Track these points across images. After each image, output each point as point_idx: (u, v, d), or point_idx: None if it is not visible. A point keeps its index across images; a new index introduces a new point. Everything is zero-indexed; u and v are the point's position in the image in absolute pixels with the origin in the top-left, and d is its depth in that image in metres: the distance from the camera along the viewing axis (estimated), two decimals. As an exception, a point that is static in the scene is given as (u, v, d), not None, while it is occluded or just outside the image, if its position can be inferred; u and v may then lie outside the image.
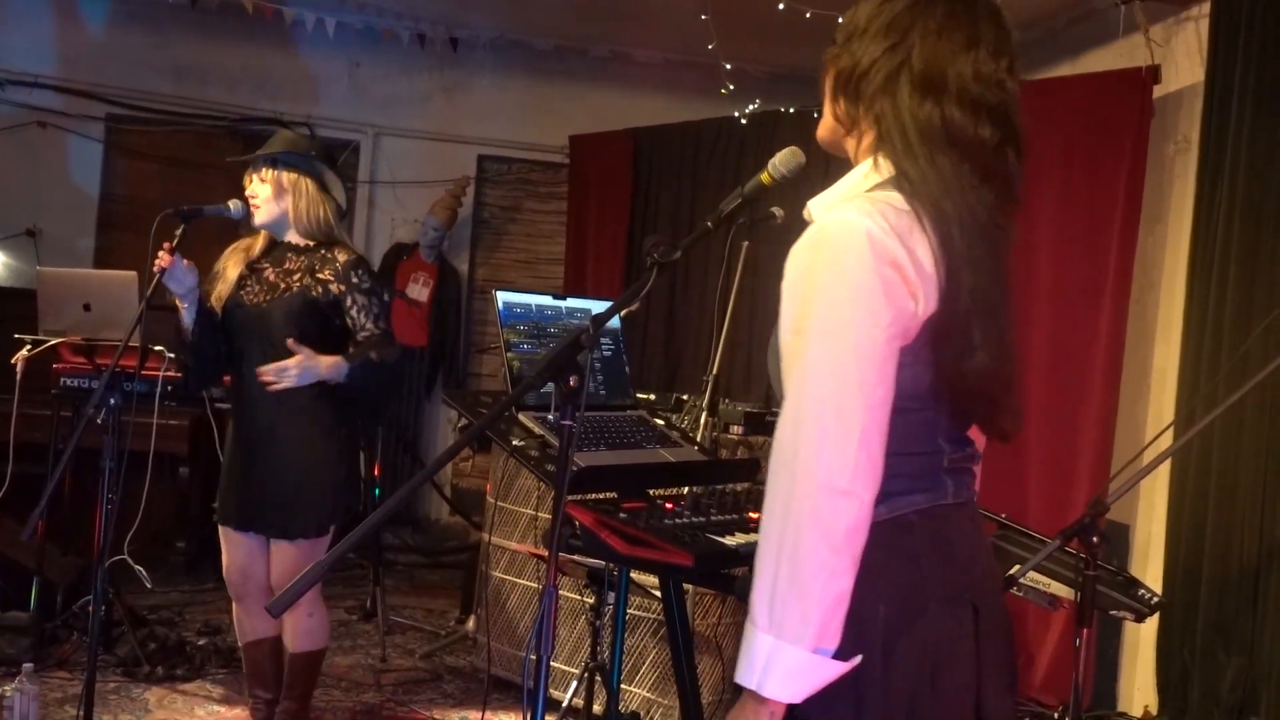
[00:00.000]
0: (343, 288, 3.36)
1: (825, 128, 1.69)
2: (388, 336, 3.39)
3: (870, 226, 1.46)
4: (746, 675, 1.44)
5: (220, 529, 3.45)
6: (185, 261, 3.25)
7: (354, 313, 3.37)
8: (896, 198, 1.51)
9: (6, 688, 3.54)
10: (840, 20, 1.67)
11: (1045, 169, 4.58)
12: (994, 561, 1.71)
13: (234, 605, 3.52)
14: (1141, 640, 4.40)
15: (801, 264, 1.50)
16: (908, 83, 1.55)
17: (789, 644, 1.41)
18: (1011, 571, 2.55)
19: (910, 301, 1.47)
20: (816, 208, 1.58)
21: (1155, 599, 2.87)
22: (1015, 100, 1.57)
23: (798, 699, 1.44)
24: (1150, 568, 4.37)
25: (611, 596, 3.22)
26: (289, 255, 3.41)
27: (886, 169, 1.55)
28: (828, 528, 1.41)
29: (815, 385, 1.44)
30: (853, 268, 1.45)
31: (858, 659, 1.46)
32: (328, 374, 3.26)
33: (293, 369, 3.20)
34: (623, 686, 3.82)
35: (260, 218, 3.42)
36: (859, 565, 1.44)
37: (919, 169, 1.51)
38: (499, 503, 4.33)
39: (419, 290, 7.01)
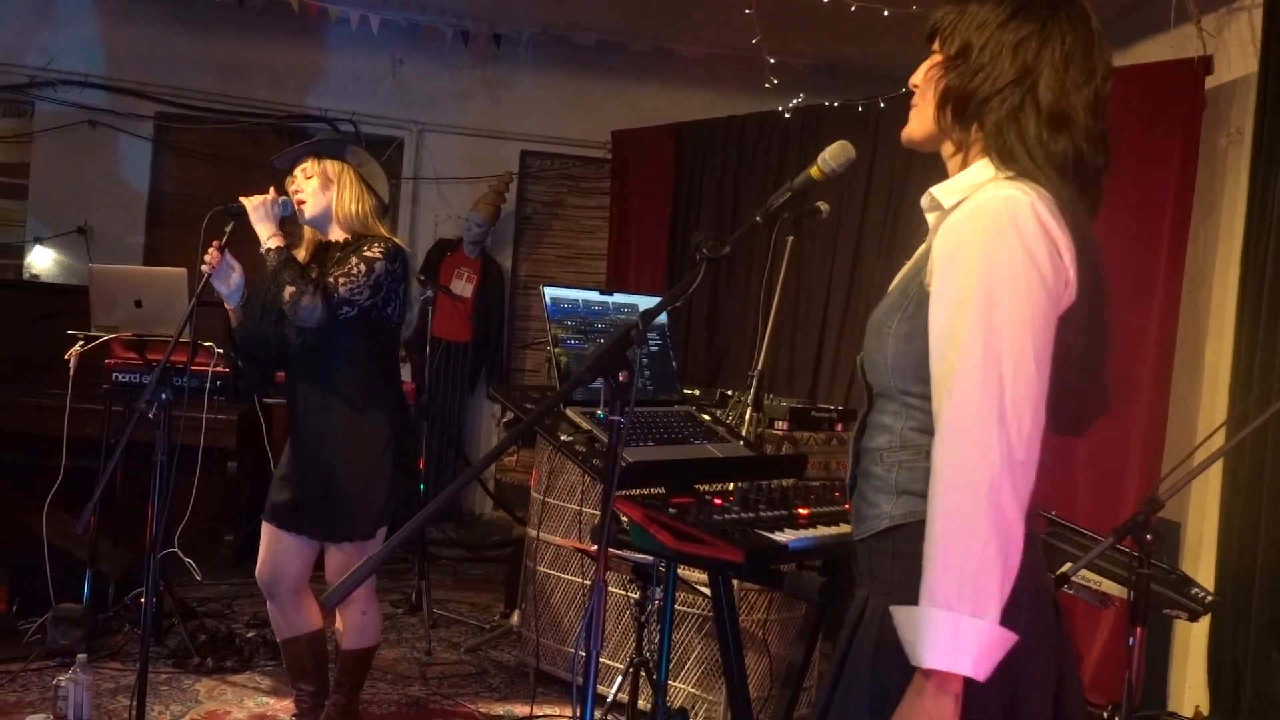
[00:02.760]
0: (353, 255, 3.28)
1: (922, 130, 1.68)
2: (324, 291, 3.18)
3: (1035, 201, 1.49)
4: (936, 656, 1.41)
5: (263, 525, 3.47)
6: (234, 263, 3.27)
7: (336, 265, 3.28)
8: (1044, 189, 1.53)
9: (61, 678, 3.59)
10: (941, 21, 1.66)
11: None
12: None
13: (268, 603, 3.54)
14: (1192, 639, 4.34)
15: (961, 236, 1.51)
16: (1034, 114, 1.56)
17: (977, 618, 1.40)
18: (1063, 569, 2.52)
19: (1064, 280, 1.50)
20: (943, 194, 1.60)
21: (1209, 598, 2.83)
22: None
23: (984, 675, 1.42)
24: (1201, 566, 4.30)
25: (657, 592, 3.22)
26: (333, 253, 3.39)
27: (1007, 170, 1.56)
28: (1007, 499, 1.42)
29: (990, 356, 1.44)
30: (1026, 239, 1.47)
31: (1016, 634, 1.44)
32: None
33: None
34: (668, 682, 3.82)
35: (307, 212, 3.38)
36: None
37: (1056, 192, 1.54)
38: (544, 498, 4.33)
39: (463, 286, 7.05)
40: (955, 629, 1.41)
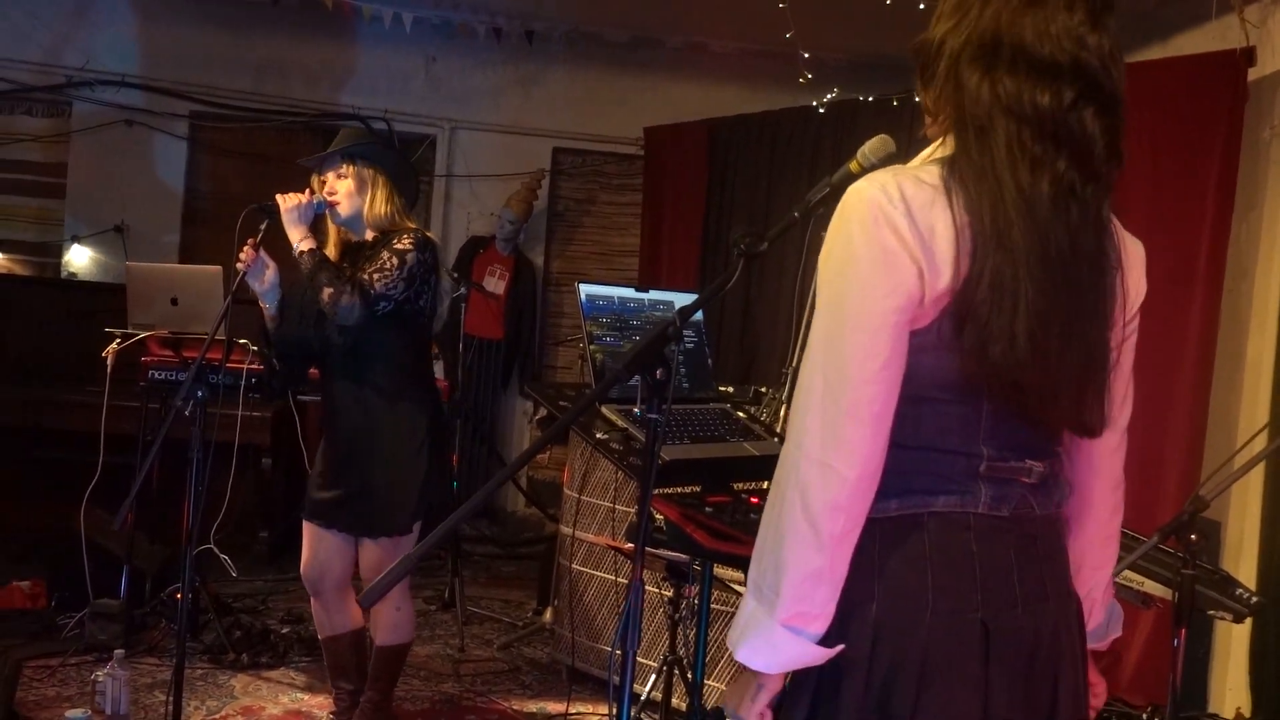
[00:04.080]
0: (384, 250, 3.28)
1: (926, 122, 1.60)
2: (360, 288, 3.18)
3: (875, 194, 1.41)
4: (730, 634, 1.46)
5: (304, 524, 3.48)
6: (268, 260, 3.28)
7: (368, 260, 3.28)
8: (930, 171, 1.45)
9: (99, 673, 3.62)
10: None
11: (1134, 155, 4.43)
12: (1050, 587, 1.53)
13: (312, 601, 3.55)
14: (1234, 640, 4.28)
15: (827, 238, 1.48)
16: (968, 58, 1.45)
17: (764, 612, 1.42)
18: (1106, 569, 2.47)
19: (911, 274, 1.39)
20: None
21: (1254, 599, 2.78)
22: (1101, 53, 1.44)
23: (769, 670, 1.45)
24: (1243, 566, 4.24)
25: (691, 590, 3.20)
26: (364, 250, 3.39)
27: (949, 147, 1.48)
28: (806, 499, 1.39)
29: (813, 354, 1.44)
30: (853, 236, 1.41)
31: (833, 651, 1.42)
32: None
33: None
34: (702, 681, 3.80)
35: (341, 213, 3.38)
36: (852, 556, 1.42)
37: (966, 146, 1.44)
38: (578, 495, 4.32)
39: (495, 283, 7.05)
40: (745, 615, 1.44)
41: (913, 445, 1.44)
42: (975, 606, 1.46)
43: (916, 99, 1.65)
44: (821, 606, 1.41)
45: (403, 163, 3.50)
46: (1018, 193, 1.40)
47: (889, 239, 1.39)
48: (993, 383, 1.43)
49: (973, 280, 1.39)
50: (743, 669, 1.47)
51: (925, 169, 1.46)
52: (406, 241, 3.28)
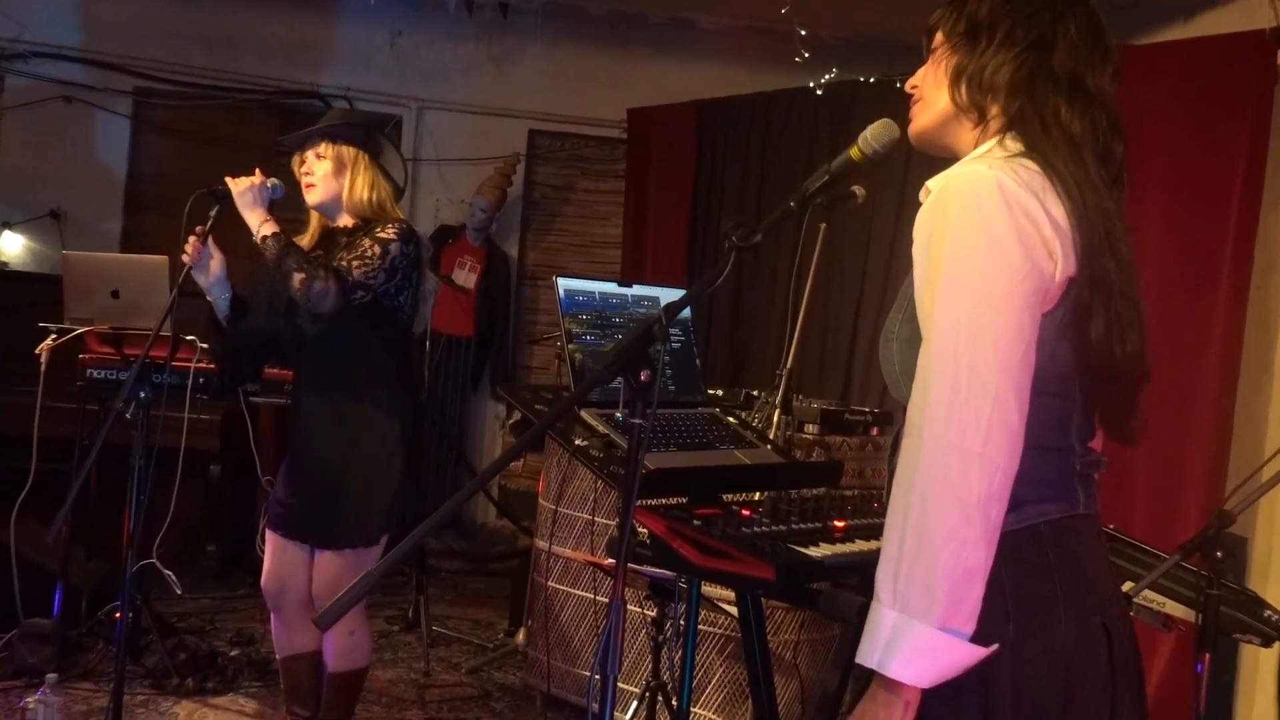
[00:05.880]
0: (365, 237, 3.28)
1: (931, 118, 1.70)
2: (337, 273, 3.16)
3: (1001, 177, 1.50)
4: (868, 654, 1.44)
5: (266, 533, 3.47)
6: (214, 250, 3.26)
7: (346, 249, 3.27)
8: (1029, 162, 1.55)
9: (30, 699, 3.59)
10: (938, 18, 1.72)
11: (1155, 143, 4.48)
12: (1117, 580, 1.71)
13: (271, 617, 3.54)
14: (1261, 665, 4.30)
15: (930, 224, 1.55)
16: (1051, 83, 1.61)
17: (914, 619, 1.41)
18: (1124, 588, 2.48)
19: (1046, 258, 1.50)
20: (935, 183, 1.60)
21: (1283, 621, 2.79)
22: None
23: (923, 682, 1.42)
24: (1271, 585, 4.26)
25: (676, 610, 3.20)
26: (340, 238, 3.38)
27: (1015, 147, 1.59)
28: (959, 493, 1.41)
29: (946, 342, 1.46)
30: (986, 216, 1.48)
31: (993, 648, 1.45)
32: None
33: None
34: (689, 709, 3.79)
35: (315, 197, 3.37)
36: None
37: (1051, 159, 1.56)
38: (554, 506, 4.31)
39: (465, 276, 7.04)
40: (889, 627, 1.43)
41: (1025, 445, 1.48)
42: (1094, 609, 1.58)
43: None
44: (975, 603, 1.44)
45: (390, 148, 3.49)
46: (1113, 208, 1.57)
47: (1024, 222, 1.49)
48: (1108, 376, 1.57)
49: (1098, 280, 1.53)
50: (875, 693, 1.46)
51: (1019, 160, 1.55)
52: (391, 231, 3.27)
